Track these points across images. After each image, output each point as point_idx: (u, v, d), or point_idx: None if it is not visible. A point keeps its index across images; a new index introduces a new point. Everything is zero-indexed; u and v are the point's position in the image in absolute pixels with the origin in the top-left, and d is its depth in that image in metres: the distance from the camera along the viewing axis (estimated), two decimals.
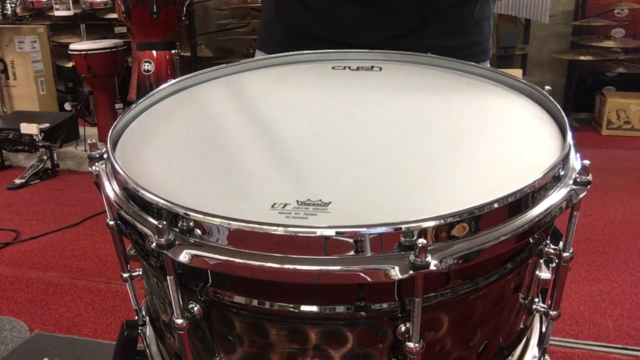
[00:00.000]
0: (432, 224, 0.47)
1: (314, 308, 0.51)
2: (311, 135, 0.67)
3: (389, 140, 0.66)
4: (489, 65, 0.96)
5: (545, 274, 0.65)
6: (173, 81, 0.81)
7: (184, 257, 0.48)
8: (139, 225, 0.52)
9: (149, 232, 0.50)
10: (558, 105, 0.68)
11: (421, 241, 0.45)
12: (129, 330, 0.71)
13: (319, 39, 0.95)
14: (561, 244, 0.60)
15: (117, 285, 2.25)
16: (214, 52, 4.44)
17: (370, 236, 0.46)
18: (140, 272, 0.67)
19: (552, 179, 0.54)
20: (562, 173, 0.56)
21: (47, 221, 2.85)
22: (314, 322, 0.52)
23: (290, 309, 0.52)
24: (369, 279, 0.46)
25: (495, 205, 0.49)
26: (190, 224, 0.49)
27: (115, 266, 2.29)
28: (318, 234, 0.46)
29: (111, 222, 0.62)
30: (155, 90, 0.79)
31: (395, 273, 0.45)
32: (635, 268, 2.31)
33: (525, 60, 4.30)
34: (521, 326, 0.64)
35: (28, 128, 3.44)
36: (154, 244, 0.48)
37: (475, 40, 1.00)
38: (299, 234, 0.46)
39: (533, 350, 0.68)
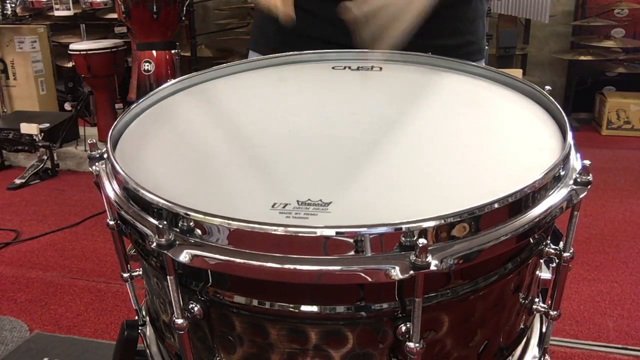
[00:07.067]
0: (432, 224, 0.47)
1: (314, 308, 0.51)
2: (312, 135, 0.67)
3: (390, 140, 0.66)
4: (484, 64, 0.96)
5: (545, 274, 0.65)
6: (173, 81, 0.81)
7: (184, 257, 0.48)
8: (139, 225, 0.52)
9: (149, 232, 0.50)
10: (558, 105, 0.68)
11: (422, 241, 0.45)
12: (129, 330, 0.71)
13: (313, 39, 0.95)
14: (561, 244, 0.60)
15: (117, 285, 2.24)
16: (214, 52, 4.44)
17: (371, 236, 0.46)
18: (140, 272, 0.67)
19: (552, 179, 0.54)
20: (562, 173, 0.56)
21: (47, 221, 2.85)
22: (314, 322, 0.52)
23: (291, 309, 0.52)
24: (370, 279, 0.46)
25: (496, 206, 0.49)
26: (191, 223, 0.49)
27: (115, 266, 2.29)
28: (318, 234, 0.46)
29: (111, 222, 0.62)
30: (155, 90, 0.79)
31: (396, 273, 0.45)
32: (635, 268, 2.30)
33: (525, 60, 4.29)
34: (521, 326, 0.64)
35: (28, 128, 3.44)
36: (155, 244, 0.48)
37: (470, 39, 1.00)
38: (299, 234, 0.46)
39: (533, 350, 0.68)
